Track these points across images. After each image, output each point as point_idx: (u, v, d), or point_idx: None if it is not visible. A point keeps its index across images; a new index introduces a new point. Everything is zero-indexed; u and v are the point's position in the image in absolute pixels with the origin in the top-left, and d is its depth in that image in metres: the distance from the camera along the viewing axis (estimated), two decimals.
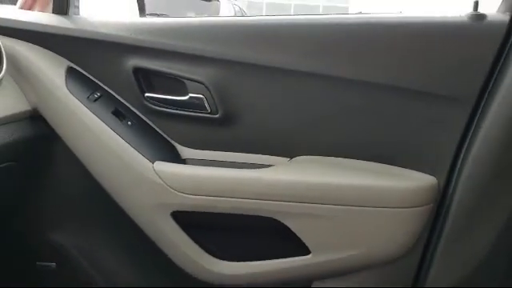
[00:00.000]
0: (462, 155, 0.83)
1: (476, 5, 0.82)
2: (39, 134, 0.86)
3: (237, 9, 7.13)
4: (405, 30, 0.84)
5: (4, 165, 0.77)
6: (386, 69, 0.83)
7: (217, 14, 6.06)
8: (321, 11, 17.77)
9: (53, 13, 0.92)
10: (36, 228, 0.95)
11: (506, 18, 0.80)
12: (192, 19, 0.98)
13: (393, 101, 0.84)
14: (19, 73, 0.85)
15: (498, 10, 0.84)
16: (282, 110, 0.89)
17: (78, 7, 0.98)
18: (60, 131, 0.88)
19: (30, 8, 1.10)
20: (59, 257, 0.96)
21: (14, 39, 0.85)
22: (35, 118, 0.86)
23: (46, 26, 0.88)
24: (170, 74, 0.88)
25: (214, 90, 0.87)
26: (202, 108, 0.89)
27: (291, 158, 0.90)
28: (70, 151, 0.88)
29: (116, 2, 1.21)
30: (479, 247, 0.83)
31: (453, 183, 0.83)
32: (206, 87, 0.87)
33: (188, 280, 0.91)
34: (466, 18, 0.82)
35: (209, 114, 0.89)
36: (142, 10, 1.15)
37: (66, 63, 0.88)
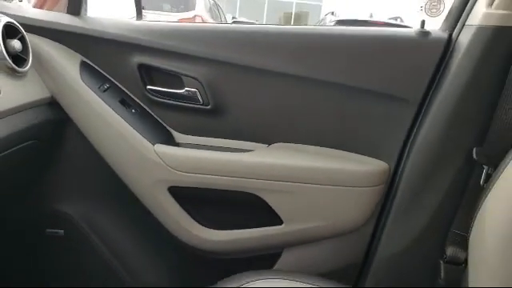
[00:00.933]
0: (408, 145, 1.01)
1: (423, 23, 1.00)
2: (56, 117, 1.00)
3: (212, 2, 7.21)
4: (364, 41, 1.02)
5: (30, 142, 0.91)
6: (349, 72, 1.01)
7: (193, 6, 6.12)
8: (294, 7, 17.96)
9: (67, 13, 1.06)
10: (47, 199, 1.09)
11: (445, 35, 0.99)
12: (190, 25, 1.12)
13: (354, 99, 1.02)
14: (40, 65, 0.99)
15: (440, 28, 1.03)
16: (262, 103, 1.06)
17: (86, 8, 1.12)
18: (73, 116, 1.02)
19: (41, 6, 1.23)
20: (67, 225, 1.10)
21: (37, 36, 0.99)
22: (52, 104, 1.00)
23: (64, 24, 1.02)
24: (169, 70, 1.04)
25: (207, 85, 1.03)
26: (195, 100, 1.05)
27: (269, 144, 1.07)
28: (82, 133, 1.03)
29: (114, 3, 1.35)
30: (420, 220, 1.02)
31: (401, 168, 1.02)
32: (200, 82, 1.03)
33: (180, 246, 1.07)
34: (414, 33, 1.00)
35: (201, 105, 1.05)
36: (139, 13, 1.29)
37: (80, 58, 1.03)
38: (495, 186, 0.81)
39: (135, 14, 1.28)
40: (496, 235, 0.79)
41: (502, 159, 0.82)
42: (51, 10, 1.20)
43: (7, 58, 0.85)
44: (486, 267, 0.81)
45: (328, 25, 6.40)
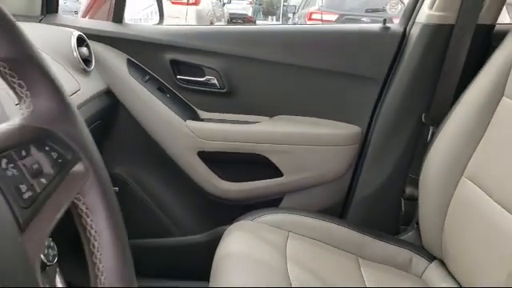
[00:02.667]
0: (376, 113, 1.34)
1: (384, 21, 1.32)
2: (112, 103, 1.34)
3: None
4: (340, 36, 1.34)
5: (97, 123, 1.25)
6: (329, 60, 1.33)
7: None
8: None
9: (112, 21, 1.38)
10: (106, 164, 1.43)
11: (401, 29, 1.31)
12: (208, 27, 1.44)
13: (333, 80, 1.35)
14: (98, 64, 1.32)
15: (398, 24, 1.34)
16: (264, 86, 1.38)
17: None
18: (124, 101, 1.36)
19: (87, 15, 1.54)
20: (120, 183, 1.45)
21: (94, 42, 1.32)
22: (108, 93, 1.34)
23: (112, 32, 1.34)
24: (193, 63, 1.36)
25: (222, 74, 1.36)
26: (213, 85, 1.38)
27: (271, 117, 1.40)
28: (130, 114, 1.37)
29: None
30: (386, 169, 1.34)
31: (370, 131, 1.35)
32: (217, 72, 1.36)
33: (206, 195, 1.42)
34: (377, 28, 1.32)
35: (218, 89, 1.38)
36: (161, 17, 1.60)
37: (126, 57, 1.35)
38: (436, 140, 1.15)
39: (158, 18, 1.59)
40: (435, 176, 1.13)
41: (441, 121, 1.15)
42: (93, 17, 1.51)
43: (81, 61, 1.18)
44: (428, 201, 1.16)
45: None
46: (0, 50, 0.37)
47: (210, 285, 0.99)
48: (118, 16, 1.38)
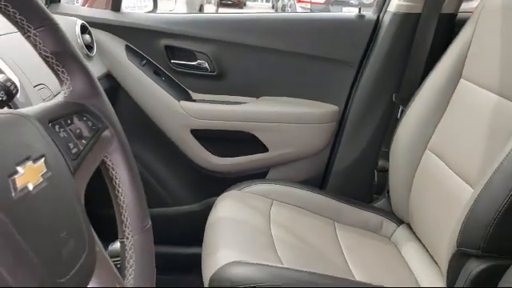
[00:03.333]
0: (352, 93, 1.48)
1: (359, 10, 1.45)
2: (112, 85, 1.47)
3: None
4: (320, 23, 1.47)
5: None
6: (309, 45, 1.46)
7: None
8: None
9: (111, 10, 1.50)
10: None
11: (374, 17, 1.44)
12: (199, 15, 1.56)
13: (313, 63, 1.48)
14: (99, 50, 1.44)
15: (372, 12, 1.48)
16: (250, 69, 1.51)
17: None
18: (123, 84, 1.48)
19: (85, 4, 1.64)
20: None
21: (95, 29, 1.43)
22: (109, 76, 1.46)
23: (111, 20, 1.46)
24: (186, 48, 1.49)
25: (212, 58, 1.49)
26: (204, 69, 1.51)
27: (257, 97, 1.54)
28: (129, 95, 1.49)
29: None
30: (361, 144, 1.48)
31: (347, 109, 1.49)
32: (207, 56, 1.49)
33: (198, 169, 1.55)
34: (354, 16, 1.46)
35: (209, 72, 1.51)
36: (155, 5, 1.71)
37: (124, 43, 1.47)
38: (404, 117, 1.30)
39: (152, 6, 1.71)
40: (403, 150, 1.28)
41: (409, 100, 1.29)
42: (93, 6, 1.62)
43: (84, 47, 1.30)
44: (397, 172, 1.31)
45: None
46: (49, 46, 0.50)
47: (203, 248, 1.13)
48: (116, 5, 1.49)
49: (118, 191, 0.57)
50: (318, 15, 1.49)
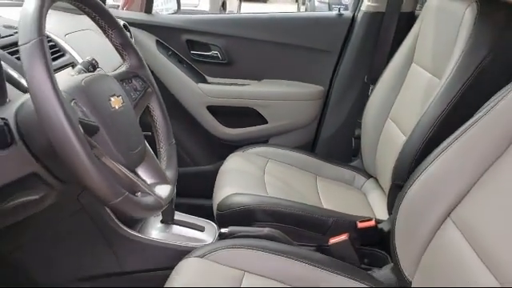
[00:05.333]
0: (334, 76, 1.86)
1: (339, 9, 1.83)
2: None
3: None
4: (307, 19, 1.86)
5: None
6: (299, 37, 1.85)
7: None
8: None
9: (144, 12, 1.92)
10: None
11: (351, 14, 1.82)
12: (213, 16, 1.96)
13: (302, 52, 1.86)
14: (135, 43, 1.85)
15: (350, 11, 1.85)
16: (254, 58, 1.91)
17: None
18: (154, 70, 1.89)
19: (124, 7, 2.06)
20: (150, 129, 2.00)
21: (132, 27, 1.85)
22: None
23: (144, 20, 1.88)
24: (203, 42, 1.90)
25: (223, 49, 1.89)
26: (217, 58, 1.91)
27: (259, 80, 1.94)
28: (159, 79, 1.90)
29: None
30: (342, 116, 1.86)
31: (330, 89, 1.88)
32: (220, 48, 1.89)
33: (212, 138, 1.96)
34: (334, 14, 1.83)
35: (220, 60, 1.91)
36: (178, 6, 2.12)
37: (155, 38, 1.89)
38: (372, 94, 1.67)
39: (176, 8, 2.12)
40: (371, 120, 1.65)
41: (377, 81, 1.67)
42: (130, 8, 2.03)
43: None
44: (367, 138, 1.68)
45: None
46: (118, 40, 0.91)
47: (215, 187, 1.53)
48: (148, 8, 1.91)
49: (155, 122, 0.98)
50: (307, 14, 1.87)
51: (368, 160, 1.69)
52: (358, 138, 1.82)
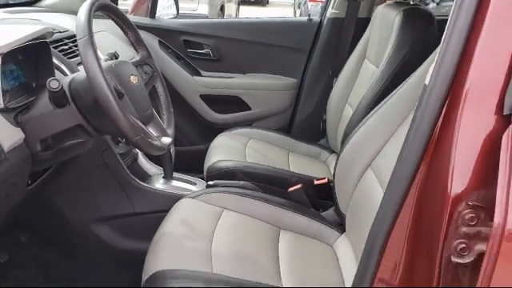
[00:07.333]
0: (305, 70, 2.25)
1: (309, 15, 2.22)
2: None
3: None
4: (283, 24, 2.26)
5: None
6: (277, 38, 2.24)
7: None
8: None
9: (149, 17, 2.31)
10: None
11: (319, 19, 2.22)
12: (206, 20, 2.36)
13: (279, 50, 2.25)
14: None
15: (318, 16, 2.25)
16: (239, 55, 2.30)
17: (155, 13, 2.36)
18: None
19: (131, 13, 2.45)
20: None
21: (139, 30, 2.23)
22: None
23: (148, 24, 2.27)
24: (197, 42, 2.29)
25: (214, 48, 2.28)
26: (209, 55, 2.30)
27: (244, 73, 2.33)
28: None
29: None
30: (314, 102, 2.25)
31: (303, 81, 2.27)
32: (211, 47, 2.28)
33: (204, 121, 2.35)
34: (306, 20, 2.23)
35: (211, 57, 2.31)
36: (177, 11, 2.52)
37: (158, 38, 2.28)
38: (335, 85, 2.06)
39: (176, 13, 2.51)
40: (333, 106, 2.04)
41: (339, 74, 2.06)
42: (137, 14, 2.42)
43: None
44: (331, 121, 2.06)
45: None
46: (133, 38, 1.30)
47: (206, 156, 1.90)
48: (152, 13, 2.31)
49: (159, 96, 1.36)
50: (283, 19, 2.28)
51: (331, 138, 2.07)
52: (325, 121, 2.21)
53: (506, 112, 0.63)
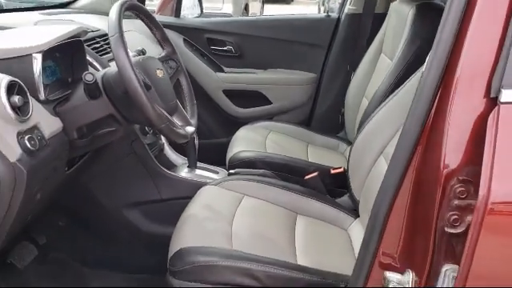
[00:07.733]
0: (324, 65, 2.32)
1: (327, 12, 2.29)
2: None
3: None
4: (302, 20, 2.33)
5: None
6: (297, 34, 2.32)
7: None
8: None
9: (174, 16, 2.42)
10: None
11: (337, 16, 2.28)
12: (228, 18, 2.46)
13: (300, 46, 2.33)
14: None
15: (336, 13, 2.31)
16: (260, 51, 2.38)
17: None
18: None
19: (158, 12, 2.57)
20: None
21: (166, 28, 2.34)
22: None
23: (174, 22, 2.38)
24: (220, 39, 2.39)
25: (236, 45, 2.38)
26: (231, 52, 2.40)
27: (265, 69, 2.41)
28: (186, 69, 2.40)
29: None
30: (331, 98, 2.33)
31: (322, 75, 2.34)
32: (233, 44, 2.38)
33: (226, 115, 2.44)
34: (324, 16, 2.30)
35: (233, 53, 2.40)
36: (201, 11, 2.63)
37: (182, 37, 2.38)
38: (353, 79, 2.12)
39: (200, 12, 2.62)
40: (351, 99, 2.11)
41: (356, 68, 2.12)
42: (163, 13, 2.53)
43: None
44: (349, 114, 2.13)
45: None
46: (159, 36, 1.40)
47: (228, 148, 1.99)
48: (177, 13, 2.42)
49: (183, 89, 1.46)
50: (302, 16, 2.36)
51: (349, 130, 2.14)
52: (343, 114, 2.28)
53: (492, 95, 0.70)
